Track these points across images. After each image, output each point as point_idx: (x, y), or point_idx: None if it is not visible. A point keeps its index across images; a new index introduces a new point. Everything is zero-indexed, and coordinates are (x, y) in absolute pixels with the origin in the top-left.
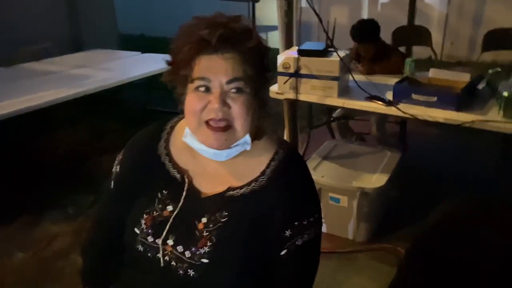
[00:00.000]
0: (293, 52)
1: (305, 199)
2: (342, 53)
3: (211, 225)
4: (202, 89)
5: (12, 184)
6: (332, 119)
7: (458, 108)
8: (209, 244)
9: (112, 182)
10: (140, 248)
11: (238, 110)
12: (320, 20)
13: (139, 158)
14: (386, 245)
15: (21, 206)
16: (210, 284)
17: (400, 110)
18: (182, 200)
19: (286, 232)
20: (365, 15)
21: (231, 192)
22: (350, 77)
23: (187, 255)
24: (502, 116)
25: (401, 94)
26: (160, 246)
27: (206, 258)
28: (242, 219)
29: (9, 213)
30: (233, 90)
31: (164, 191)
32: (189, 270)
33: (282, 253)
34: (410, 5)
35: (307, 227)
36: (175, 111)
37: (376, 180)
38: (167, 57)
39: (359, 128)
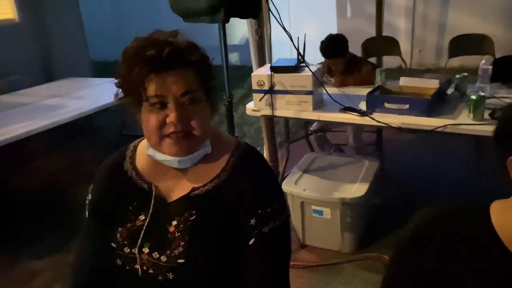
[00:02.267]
0: (266, 69)
1: (266, 188)
2: (313, 68)
3: (181, 225)
4: (158, 106)
5: None
6: (309, 132)
7: (430, 114)
8: (182, 243)
9: (87, 212)
10: (119, 262)
11: (196, 120)
12: (290, 37)
13: (108, 179)
14: (372, 254)
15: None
16: (190, 283)
17: (374, 119)
18: (151, 208)
19: (251, 220)
20: (334, 29)
21: (195, 192)
22: (324, 91)
23: (163, 260)
24: (472, 119)
25: (374, 103)
26: (137, 255)
27: (182, 258)
28: (210, 214)
29: None
30: (188, 102)
31: (134, 203)
32: (167, 274)
33: (251, 242)
34: (377, 17)
35: (271, 214)
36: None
37: (357, 189)
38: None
39: (336, 139)
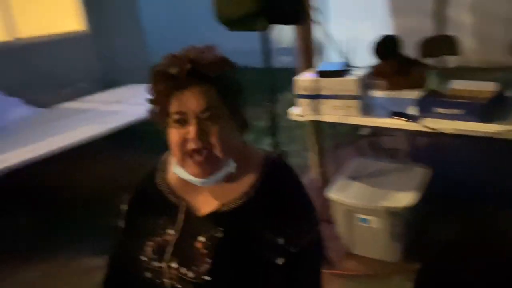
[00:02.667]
0: (311, 73)
1: (294, 206)
2: (361, 71)
3: (208, 243)
4: (180, 122)
5: (48, 221)
6: (360, 136)
7: (484, 119)
8: (208, 261)
9: (123, 221)
10: (148, 275)
11: (216, 137)
12: (333, 41)
13: (140, 191)
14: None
15: (60, 242)
16: None
17: (424, 125)
18: (181, 223)
19: (279, 240)
20: (388, 28)
21: (224, 209)
22: (374, 94)
23: (190, 275)
24: None
25: (425, 108)
26: (166, 269)
27: (208, 276)
28: (237, 232)
29: (47, 249)
30: (208, 119)
31: (164, 216)
32: None
33: (279, 261)
34: (438, 13)
35: (300, 235)
36: None
37: (406, 198)
38: None
39: (389, 144)
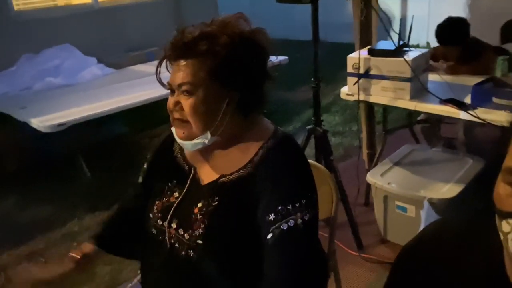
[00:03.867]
0: (364, 52)
1: (290, 185)
2: (416, 53)
3: (204, 209)
4: (172, 91)
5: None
6: (415, 122)
7: None
8: (202, 226)
9: (140, 177)
10: (154, 231)
11: (188, 111)
12: (381, 19)
13: (159, 154)
14: None
15: (120, 193)
16: (206, 264)
17: (473, 115)
18: (186, 188)
19: (270, 216)
20: (479, 7)
21: (223, 179)
22: (432, 78)
23: (186, 237)
24: None
25: (481, 97)
26: (166, 229)
27: (201, 240)
28: (231, 203)
29: (109, 199)
30: (184, 93)
31: (174, 180)
32: (189, 251)
33: (268, 237)
34: None
35: (292, 212)
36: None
37: (448, 190)
38: None
39: (449, 132)
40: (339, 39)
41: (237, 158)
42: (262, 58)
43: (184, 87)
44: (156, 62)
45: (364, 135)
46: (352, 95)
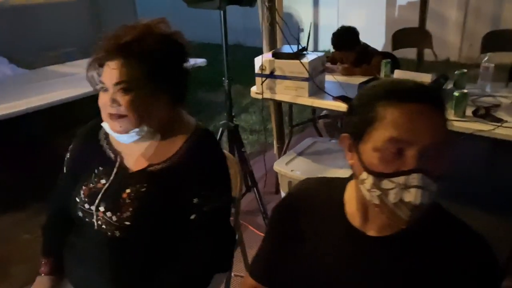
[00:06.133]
0: (269, 55)
1: (211, 175)
2: (313, 56)
3: (133, 195)
4: (103, 90)
5: (26, 174)
6: (317, 117)
7: None
8: (130, 209)
9: (64, 168)
10: (80, 214)
11: (125, 106)
12: (292, 24)
13: (84, 142)
14: None
15: (33, 194)
16: (132, 243)
17: None
18: (113, 175)
19: (194, 200)
20: (382, 17)
21: (151, 168)
22: (328, 78)
23: (114, 219)
24: (453, 115)
25: None
26: (94, 212)
27: (129, 221)
28: (158, 189)
29: (22, 200)
30: (120, 91)
31: (100, 168)
32: (115, 231)
33: (192, 217)
34: (421, 7)
35: (213, 197)
36: None
37: (343, 173)
38: None
39: None
40: (258, 44)
41: (165, 149)
42: (184, 57)
43: (121, 85)
44: (76, 62)
45: (274, 131)
46: (260, 93)
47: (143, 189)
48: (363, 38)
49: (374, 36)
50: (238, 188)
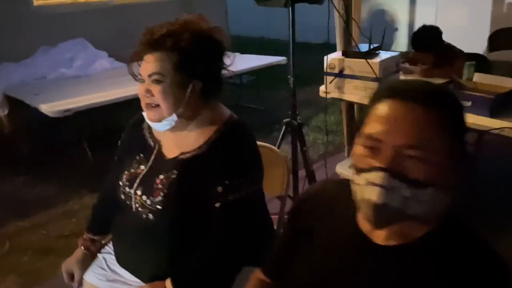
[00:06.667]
0: (339, 53)
1: (237, 163)
2: (387, 56)
3: (164, 180)
4: (141, 81)
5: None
6: None
7: (492, 114)
8: (161, 194)
9: (116, 155)
10: (122, 197)
11: (157, 96)
12: (388, 23)
13: (130, 132)
14: None
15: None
16: (163, 225)
17: None
18: (150, 162)
19: (219, 188)
20: (487, 16)
21: (182, 157)
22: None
23: (148, 203)
24: None
25: None
26: (133, 195)
27: (160, 205)
28: (187, 177)
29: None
30: (153, 82)
31: (141, 154)
32: (149, 214)
33: (216, 205)
34: None
35: (238, 187)
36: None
37: None
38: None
39: None
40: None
41: (196, 139)
42: (219, 51)
43: (154, 77)
44: None
45: (345, 132)
46: (328, 93)
47: (173, 176)
48: (463, 38)
49: (476, 37)
50: (285, 186)
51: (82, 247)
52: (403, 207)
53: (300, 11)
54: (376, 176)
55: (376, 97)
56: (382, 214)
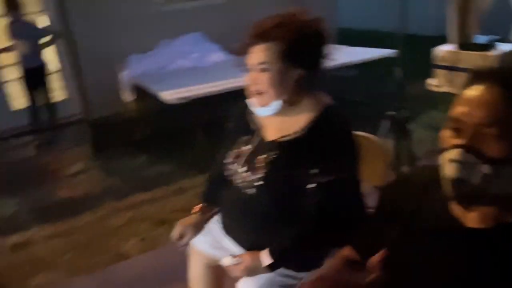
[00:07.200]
0: (452, 45)
1: (331, 149)
2: (507, 48)
3: (266, 160)
4: (249, 70)
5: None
6: None
7: None
8: (262, 172)
9: (225, 137)
10: (228, 173)
11: (263, 84)
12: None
13: (237, 115)
14: None
15: None
16: (262, 200)
17: None
18: (253, 143)
19: (314, 170)
20: None
21: (281, 139)
22: None
23: (250, 179)
24: None
25: None
26: (237, 172)
27: (261, 181)
28: (286, 157)
29: None
30: (260, 71)
31: (245, 136)
32: (250, 189)
33: (310, 186)
34: None
35: (330, 170)
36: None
37: None
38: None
39: None
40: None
41: (296, 123)
42: (320, 42)
43: (261, 66)
44: None
45: None
46: (438, 86)
47: (274, 156)
48: None
49: None
50: (385, 178)
51: (197, 214)
52: (484, 185)
53: (415, 1)
54: (454, 153)
55: (463, 85)
56: (461, 190)
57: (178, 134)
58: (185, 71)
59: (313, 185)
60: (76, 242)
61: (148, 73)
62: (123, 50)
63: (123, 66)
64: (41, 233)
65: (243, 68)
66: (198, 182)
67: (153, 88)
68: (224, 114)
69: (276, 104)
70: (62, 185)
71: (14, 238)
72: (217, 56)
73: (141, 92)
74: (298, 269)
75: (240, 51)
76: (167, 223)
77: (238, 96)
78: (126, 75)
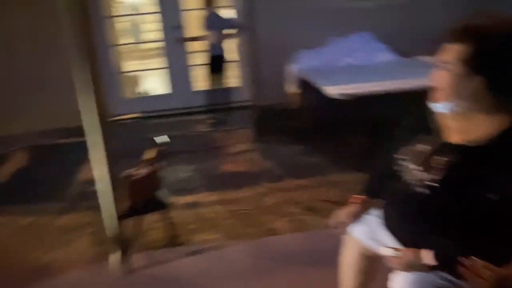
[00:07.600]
0: None
1: (510, 166)
2: None
3: (447, 162)
4: (439, 69)
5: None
6: None
7: None
8: (440, 173)
9: (397, 133)
10: (398, 168)
11: (442, 81)
12: None
13: (415, 114)
14: None
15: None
16: (435, 201)
17: None
18: (432, 142)
19: (498, 181)
20: None
21: (466, 144)
22: None
23: (423, 177)
24: None
25: None
26: (409, 168)
27: (436, 183)
28: (466, 163)
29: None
30: (443, 69)
31: (423, 135)
32: (421, 188)
33: (491, 196)
34: None
35: (504, 187)
36: None
37: None
38: None
39: None
40: None
41: (480, 132)
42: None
43: (444, 64)
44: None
45: None
46: None
47: (455, 159)
48: None
49: None
50: None
51: (357, 205)
52: None
53: None
54: None
55: None
56: None
57: (337, 129)
58: (351, 68)
59: (496, 196)
60: (235, 211)
61: (315, 68)
62: (295, 44)
63: (292, 59)
64: (208, 198)
65: (435, 65)
66: (350, 178)
67: (319, 82)
68: (389, 116)
69: (447, 105)
70: (227, 160)
71: (187, 198)
72: (384, 56)
73: (306, 86)
74: (459, 276)
75: (438, 50)
76: (315, 211)
77: (404, 99)
78: (294, 68)
